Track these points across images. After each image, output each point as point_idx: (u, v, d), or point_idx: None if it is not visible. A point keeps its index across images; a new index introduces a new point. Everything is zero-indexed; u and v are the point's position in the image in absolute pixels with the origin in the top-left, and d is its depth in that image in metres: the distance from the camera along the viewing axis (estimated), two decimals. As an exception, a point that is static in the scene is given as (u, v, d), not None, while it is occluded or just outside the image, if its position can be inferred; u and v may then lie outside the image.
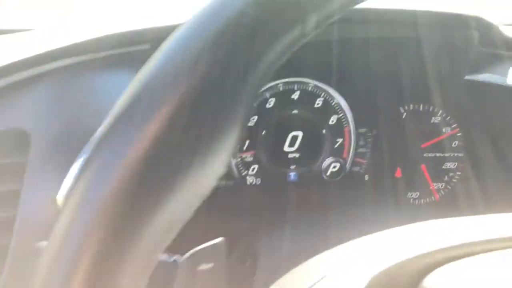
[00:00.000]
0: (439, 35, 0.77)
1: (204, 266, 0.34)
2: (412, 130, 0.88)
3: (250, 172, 0.84)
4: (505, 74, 0.73)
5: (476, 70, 0.78)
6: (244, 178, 0.84)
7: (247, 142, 0.83)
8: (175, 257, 0.36)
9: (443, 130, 0.89)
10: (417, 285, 0.30)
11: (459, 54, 0.78)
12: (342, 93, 0.86)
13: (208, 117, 0.23)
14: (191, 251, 0.34)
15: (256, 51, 0.24)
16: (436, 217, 0.91)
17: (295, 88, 0.84)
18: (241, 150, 0.83)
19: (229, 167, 0.83)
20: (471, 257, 0.32)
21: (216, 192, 0.87)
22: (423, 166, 0.88)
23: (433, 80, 0.80)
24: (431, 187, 0.89)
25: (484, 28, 0.76)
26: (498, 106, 0.80)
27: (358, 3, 0.27)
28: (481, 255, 0.33)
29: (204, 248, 0.34)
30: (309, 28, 0.26)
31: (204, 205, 0.81)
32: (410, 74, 0.81)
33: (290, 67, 0.84)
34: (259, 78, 0.25)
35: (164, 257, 0.36)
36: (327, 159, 0.87)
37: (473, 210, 0.86)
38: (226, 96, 0.23)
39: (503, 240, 0.35)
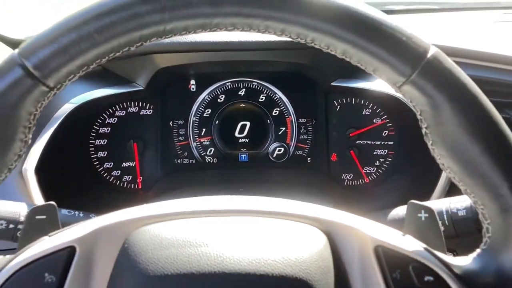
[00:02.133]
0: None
1: (40, 216, 0.53)
2: (346, 120, 0.98)
3: (207, 153, 1.02)
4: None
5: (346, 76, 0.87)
6: (204, 158, 1.02)
7: (204, 129, 1.00)
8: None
9: (374, 120, 0.97)
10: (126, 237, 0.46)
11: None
12: (283, 90, 0.99)
13: None
14: (34, 207, 0.54)
15: None
16: (366, 197, 1.01)
17: (241, 85, 0.99)
18: (199, 136, 1.01)
19: (190, 149, 1.01)
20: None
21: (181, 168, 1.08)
22: (351, 152, 0.98)
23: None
24: (361, 171, 0.99)
25: None
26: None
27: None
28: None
29: (38, 206, 0.54)
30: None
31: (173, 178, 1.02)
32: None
33: (237, 71, 0.99)
34: None
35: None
36: (272, 144, 1.01)
37: (399, 194, 0.94)
38: None
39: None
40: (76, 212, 0.70)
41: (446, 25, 1.23)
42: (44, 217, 0.54)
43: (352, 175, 1.00)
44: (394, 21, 0.44)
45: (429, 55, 0.43)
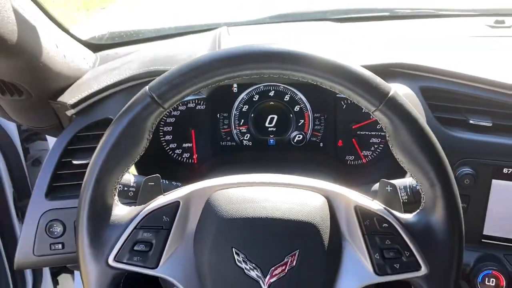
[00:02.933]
0: None
1: (151, 183, 0.84)
2: (349, 116, 1.26)
3: (244, 138, 1.31)
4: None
5: None
6: (242, 141, 1.32)
7: (242, 120, 1.29)
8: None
9: (371, 116, 1.24)
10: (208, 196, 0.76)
11: None
12: (302, 92, 1.27)
13: None
14: (147, 177, 0.85)
15: None
16: (363, 173, 1.30)
17: (271, 88, 1.27)
18: (239, 125, 1.30)
19: (232, 135, 1.31)
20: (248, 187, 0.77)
21: (225, 149, 1.46)
22: (353, 140, 1.26)
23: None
24: (360, 154, 1.27)
25: None
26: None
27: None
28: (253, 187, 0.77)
29: (150, 177, 0.85)
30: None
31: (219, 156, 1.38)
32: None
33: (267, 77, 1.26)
34: None
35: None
36: (294, 132, 1.29)
37: (386, 171, 1.22)
38: None
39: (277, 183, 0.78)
40: (164, 180, 1.01)
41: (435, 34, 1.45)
42: (153, 183, 0.84)
43: (353, 157, 1.28)
44: (369, 72, 0.72)
45: (390, 94, 0.71)
